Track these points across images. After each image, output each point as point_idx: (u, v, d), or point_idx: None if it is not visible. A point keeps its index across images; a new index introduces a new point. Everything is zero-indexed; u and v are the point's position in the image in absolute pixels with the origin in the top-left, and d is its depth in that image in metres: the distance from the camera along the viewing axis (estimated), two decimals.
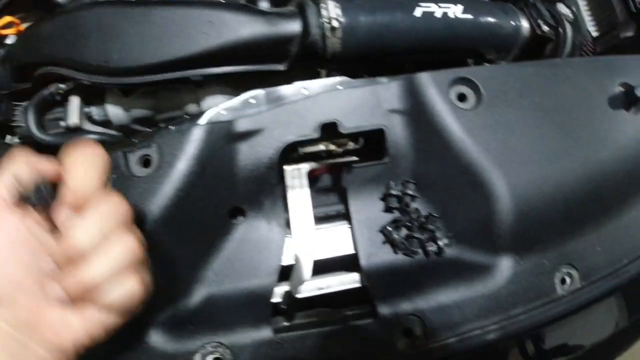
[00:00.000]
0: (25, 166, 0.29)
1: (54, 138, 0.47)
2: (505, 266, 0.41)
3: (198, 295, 0.40)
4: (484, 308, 0.40)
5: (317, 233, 0.42)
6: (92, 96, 0.49)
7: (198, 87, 0.49)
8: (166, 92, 0.50)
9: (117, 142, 0.47)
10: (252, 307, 0.40)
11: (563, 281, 0.43)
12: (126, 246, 0.29)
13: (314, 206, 0.42)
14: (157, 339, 0.39)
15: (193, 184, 0.39)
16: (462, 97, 0.42)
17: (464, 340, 0.39)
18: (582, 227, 0.44)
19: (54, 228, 0.29)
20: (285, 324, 0.41)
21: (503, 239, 0.41)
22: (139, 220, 0.36)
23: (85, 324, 0.29)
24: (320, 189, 0.44)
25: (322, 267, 0.43)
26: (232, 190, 0.40)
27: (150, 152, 0.39)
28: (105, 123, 0.48)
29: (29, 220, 0.29)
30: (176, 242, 0.40)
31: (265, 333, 0.38)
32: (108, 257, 0.28)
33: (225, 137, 0.40)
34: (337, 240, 0.43)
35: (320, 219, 0.43)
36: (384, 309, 0.40)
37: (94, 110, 0.49)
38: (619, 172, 0.45)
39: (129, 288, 0.29)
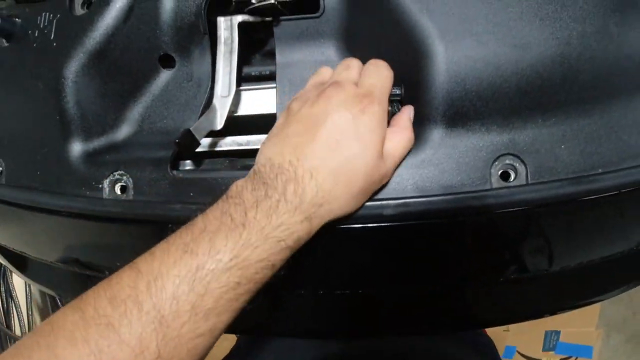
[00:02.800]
0: None
1: None
2: (430, 141, 0.36)
3: (122, 131, 0.42)
4: (394, 181, 0.36)
5: (242, 90, 0.41)
6: None
7: None
8: None
9: None
10: (164, 147, 0.40)
11: (505, 175, 0.36)
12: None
13: (245, 64, 0.41)
14: (77, 161, 0.41)
15: (124, 25, 0.41)
16: None
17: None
18: (543, 116, 0.36)
19: None
20: (188, 167, 0.41)
21: (430, 108, 0.35)
22: None
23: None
24: (255, 47, 0.42)
25: (245, 127, 0.42)
26: (162, 37, 0.41)
27: None
28: None
29: None
30: (108, 78, 0.42)
31: (163, 170, 0.39)
32: None
33: None
34: (261, 100, 0.41)
35: (249, 79, 0.42)
36: None
37: None
38: (613, 62, 0.37)
39: None
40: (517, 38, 0.35)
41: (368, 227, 0.35)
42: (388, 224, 0.35)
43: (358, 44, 0.39)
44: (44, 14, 0.42)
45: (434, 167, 0.35)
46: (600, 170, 0.36)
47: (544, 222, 0.37)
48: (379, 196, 0.35)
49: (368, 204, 0.35)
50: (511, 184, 0.35)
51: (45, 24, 0.42)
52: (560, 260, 0.40)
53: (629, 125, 0.37)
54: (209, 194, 0.37)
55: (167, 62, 0.42)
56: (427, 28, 0.35)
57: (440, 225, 0.36)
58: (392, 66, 0.36)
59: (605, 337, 1.49)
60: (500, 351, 1.44)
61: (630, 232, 0.40)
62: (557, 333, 1.43)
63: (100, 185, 0.40)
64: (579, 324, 1.44)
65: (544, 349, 1.44)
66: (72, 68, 0.41)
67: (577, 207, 0.37)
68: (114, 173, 0.40)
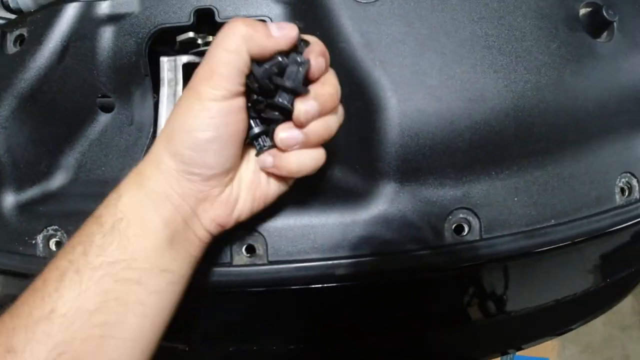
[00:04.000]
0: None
1: None
2: (383, 195, 0.35)
3: (57, 180, 0.39)
4: (345, 238, 0.34)
5: None
6: None
7: None
8: None
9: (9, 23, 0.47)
10: (98, 197, 0.38)
11: (459, 229, 0.35)
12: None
13: None
14: (9, 212, 0.38)
15: (59, 65, 0.37)
16: None
17: (304, 269, 0.33)
18: (496, 169, 0.35)
19: None
20: None
21: (384, 162, 0.34)
22: None
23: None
24: None
25: None
26: (100, 77, 0.38)
27: (24, 31, 0.39)
28: (18, 11, 0.48)
29: None
30: (41, 122, 0.39)
31: None
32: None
33: (96, 18, 0.38)
34: None
35: None
36: None
37: None
38: (568, 112, 0.36)
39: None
40: (471, 91, 0.34)
41: (321, 287, 0.34)
42: (340, 283, 0.34)
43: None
44: None
45: (388, 223, 0.34)
46: (553, 222, 0.36)
47: (497, 274, 0.37)
48: (331, 255, 0.34)
49: (320, 263, 0.33)
50: (465, 239, 0.35)
51: None
52: (515, 304, 0.40)
53: (581, 175, 0.37)
54: None
55: (106, 105, 0.39)
56: (379, 80, 0.34)
57: (395, 283, 0.35)
58: (345, 117, 0.35)
59: (561, 349, 1.54)
60: None
61: (583, 277, 0.41)
62: None
63: (34, 241, 0.37)
64: None
65: None
66: (2, 113, 0.37)
67: (530, 258, 0.36)
68: (48, 228, 0.37)
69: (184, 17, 0.37)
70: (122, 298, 0.27)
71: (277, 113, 0.30)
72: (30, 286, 0.28)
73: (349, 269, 0.33)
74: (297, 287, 0.34)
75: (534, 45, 0.35)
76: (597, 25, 0.37)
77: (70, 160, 0.39)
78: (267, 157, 0.31)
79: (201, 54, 0.38)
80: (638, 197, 0.38)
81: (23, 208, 0.38)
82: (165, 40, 0.38)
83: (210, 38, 0.38)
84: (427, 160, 0.34)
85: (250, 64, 0.28)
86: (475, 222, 0.35)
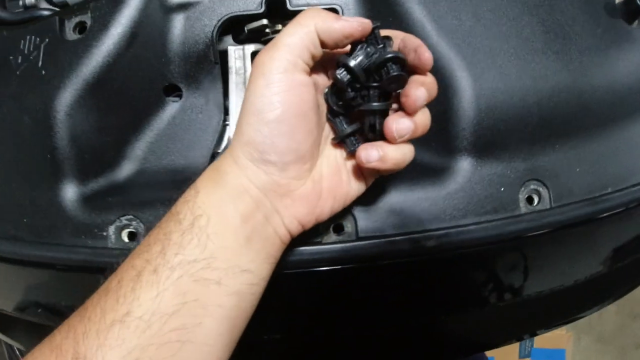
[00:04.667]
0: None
1: (13, 15, 0.46)
2: (462, 170, 0.36)
3: (124, 170, 0.38)
4: (430, 213, 0.35)
5: None
6: None
7: None
8: None
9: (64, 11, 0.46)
10: (175, 186, 0.37)
11: (530, 199, 0.37)
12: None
13: None
14: (73, 205, 0.36)
15: (126, 52, 0.37)
16: None
17: (396, 243, 0.34)
18: (560, 142, 0.38)
19: None
20: None
21: (461, 139, 0.36)
22: None
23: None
24: None
25: None
26: (168, 66, 0.38)
27: (86, 19, 0.38)
28: (62, 4, 0.47)
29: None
30: (107, 110, 0.38)
31: None
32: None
33: (165, 5, 0.37)
34: None
35: None
36: None
37: None
38: (614, 90, 0.40)
39: None
40: (535, 70, 0.37)
41: (412, 260, 0.35)
42: (430, 255, 0.35)
43: None
44: (28, 37, 0.37)
45: (468, 197, 0.36)
46: (609, 189, 0.39)
47: (564, 241, 0.39)
48: (418, 229, 0.35)
49: (411, 237, 0.34)
50: (537, 208, 0.37)
51: (31, 49, 0.37)
52: (572, 275, 0.42)
53: (630, 146, 0.40)
54: None
55: (174, 92, 0.39)
56: (455, 61, 0.36)
57: (476, 254, 0.37)
58: None
59: (576, 340, 1.60)
60: None
61: (630, 246, 0.44)
62: (531, 340, 1.52)
63: (105, 233, 0.36)
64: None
65: (520, 357, 1.52)
66: (66, 100, 0.36)
67: (593, 225, 0.39)
68: (121, 218, 0.36)
69: (255, 4, 0.37)
70: (201, 300, 0.26)
71: (372, 105, 0.30)
72: (103, 286, 0.27)
73: (439, 240, 0.35)
74: (389, 261, 0.34)
75: (582, 30, 0.39)
76: (631, 12, 0.41)
77: (137, 149, 0.38)
78: (372, 151, 0.29)
79: (268, 42, 0.39)
80: None
81: (88, 200, 0.37)
82: (232, 29, 0.39)
83: (279, 27, 0.38)
84: (501, 135, 0.36)
85: (339, 58, 0.29)
86: (544, 192, 0.37)
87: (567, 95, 0.38)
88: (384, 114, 0.31)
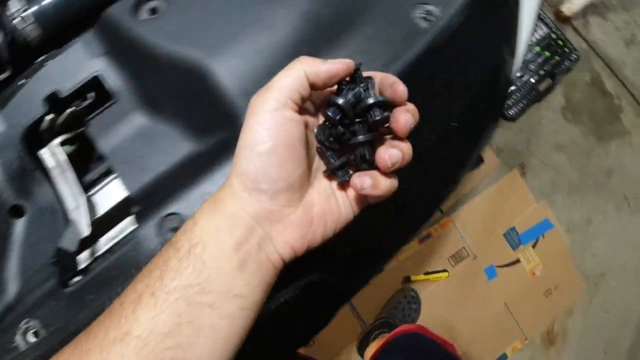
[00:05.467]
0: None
1: None
2: None
3: (10, 292, 0.43)
4: None
5: (91, 195, 0.45)
6: None
7: None
8: None
9: None
10: (46, 278, 0.42)
11: None
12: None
13: (82, 173, 0.45)
14: None
15: None
16: (153, 11, 0.44)
17: None
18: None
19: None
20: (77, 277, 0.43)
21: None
22: None
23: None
24: (83, 157, 0.46)
25: (111, 221, 0.45)
26: (3, 191, 0.44)
27: None
28: None
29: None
30: None
31: (57, 294, 0.41)
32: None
33: None
34: (112, 192, 0.45)
35: (93, 183, 0.46)
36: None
37: None
38: None
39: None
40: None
41: None
42: None
43: (159, 102, 0.45)
44: None
45: None
46: None
47: None
48: None
49: None
50: None
51: None
52: None
53: (382, 28, 0.44)
54: (105, 287, 0.39)
55: (17, 212, 0.44)
56: (198, 59, 0.41)
57: None
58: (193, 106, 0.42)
59: (550, 204, 1.59)
60: (484, 273, 1.48)
61: None
62: (513, 229, 1.51)
63: (14, 344, 0.41)
64: (522, 210, 1.52)
65: (514, 248, 1.50)
66: None
67: None
68: (19, 326, 0.41)
69: (37, 109, 0.44)
70: (194, 321, 0.28)
71: (361, 138, 0.33)
72: (108, 309, 0.30)
73: None
74: None
75: None
76: None
77: (10, 271, 0.43)
78: (366, 178, 0.32)
79: (64, 130, 0.45)
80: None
81: None
82: (34, 137, 0.45)
83: (67, 111, 0.44)
84: None
85: (330, 98, 0.32)
86: None
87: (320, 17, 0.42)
88: (371, 144, 0.33)
